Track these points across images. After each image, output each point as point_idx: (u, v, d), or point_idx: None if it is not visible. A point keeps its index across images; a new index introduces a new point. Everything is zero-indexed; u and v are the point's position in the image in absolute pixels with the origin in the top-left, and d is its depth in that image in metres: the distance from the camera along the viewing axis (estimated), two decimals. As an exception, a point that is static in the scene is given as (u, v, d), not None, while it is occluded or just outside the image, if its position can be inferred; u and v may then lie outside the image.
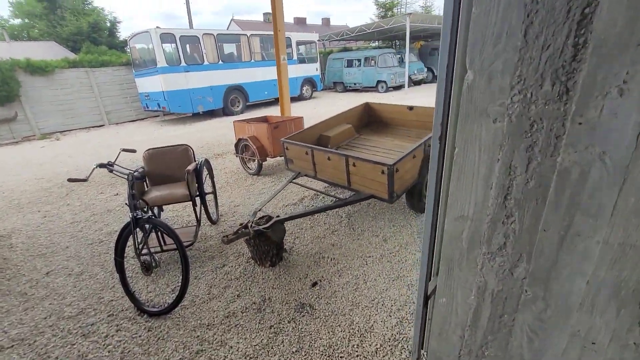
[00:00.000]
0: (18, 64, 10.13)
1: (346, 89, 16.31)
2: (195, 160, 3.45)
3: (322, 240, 3.13)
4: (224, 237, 2.52)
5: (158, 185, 3.32)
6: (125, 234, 2.44)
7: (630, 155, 0.82)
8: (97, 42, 18.57)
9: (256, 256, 2.77)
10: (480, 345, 1.30)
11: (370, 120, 4.61)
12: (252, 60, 11.68)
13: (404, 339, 2.00)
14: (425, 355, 1.69)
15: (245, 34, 11.27)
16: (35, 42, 17.56)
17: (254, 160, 5.00)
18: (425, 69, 16.33)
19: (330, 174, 3.18)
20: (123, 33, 22.88)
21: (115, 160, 2.67)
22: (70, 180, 2.46)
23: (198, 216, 3.26)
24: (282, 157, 5.25)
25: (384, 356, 1.90)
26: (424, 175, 3.08)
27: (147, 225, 2.55)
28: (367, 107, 4.58)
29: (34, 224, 4.08)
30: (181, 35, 9.79)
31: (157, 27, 9.38)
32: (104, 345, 2.17)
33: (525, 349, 1.16)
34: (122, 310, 2.46)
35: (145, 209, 2.74)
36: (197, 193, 3.26)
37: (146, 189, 3.33)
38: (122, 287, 2.46)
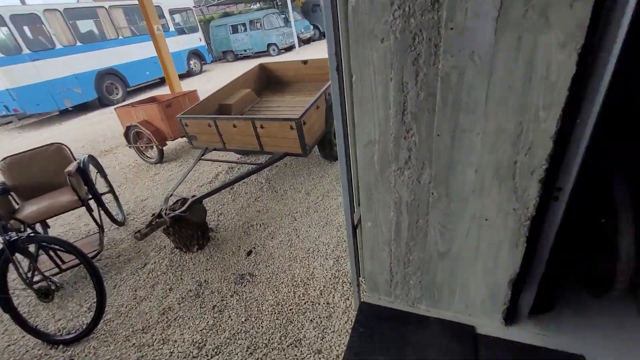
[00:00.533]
0: None
1: (237, 57, 15.35)
2: (75, 159, 2.91)
3: (246, 210, 3.04)
4: (136, 233, 2.24)
5: (31, 198, 2.73)
6: (0, 265, 1.97)
7: (492, 50, 0.94)
8: None
9: (180, 244, 2.56)
10: (405, 253, 1.46)
11: (268, 82, 4.46)
12: (120, 37, 9.96)
13: (343, 274, 2.14)
14: (363, 281, 1.84)
15: (103, 6, 9.40)
16: None
17: (152, 148, 4.46)
18: (311, 27, 16.28)
19: (240, 142, 3.04)
20: None
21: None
22: None
23: (98, 221, 2.82)
24: (185, 138, 4.81)
25: (328, 295, 2.01)
26: (331, 124, 3.16)
27: (30, 247, 2.10)
28: (262, 68, 4.38)
29: None
30: (12, 15, 7.70)
31: (-29, 6, 7.19)
32: (15, 394, 1.81)
33: (439, 242, 1.34)
34: (27, 352, 2.05)
35: (21, 229, 2.25)
36: (90, 196, 2.78)
37: (16, 206, 2.71)
38: (20, 326, 2.04)
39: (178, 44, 11.62)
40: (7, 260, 1.96)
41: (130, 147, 4.59)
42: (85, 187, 2.79)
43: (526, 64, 0.92)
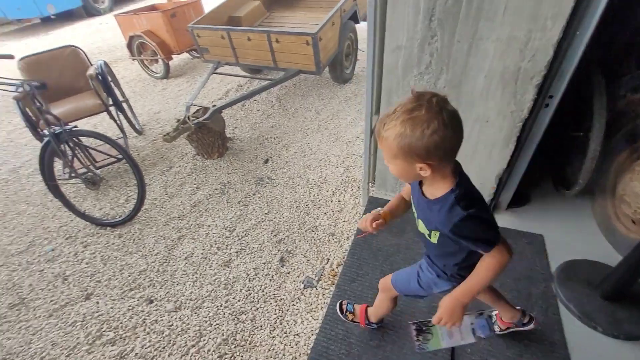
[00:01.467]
0: None
1: None
2: (91, 64, 2.95)
3: (260, 125, 3.23)
4: (165, 135, 2.46)
5: (55, 101, 2.84)
6: (47, 156, 2.19)
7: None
8: None
9: (202, 150, 2.80)
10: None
11: (277, -5, 4.27)
12: None
13: (352, 179, 2.46)
14: (373, 182, 2.16)
15: None
16: None
17: (157, 62, 4.41)
18: None
19: (253, 57, 3.09)
20: None
21: (-9, 72, 2.18)
22: None
23: (121, 126, 3.00)
24: (191, 53, 4.73)
25: (339, 195, 2.35)
26: (343, 44, 3.20)
27: (69, 143, 2.30)
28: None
29: None
30: None
31: None
32: (77, 261, 2.19)
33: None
34: (80, 230, 2.40)
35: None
36: (110, 102, 2.91)
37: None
38: (70, 210, 2.35)
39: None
40: (53, 151, 2.18)
41: (134, 59, 4.52)
42: (105, 94, 2.90)
43: (545, -24, 1.07)
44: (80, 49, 2.93)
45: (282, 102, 3.54)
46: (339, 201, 2.31)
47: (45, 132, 2.12)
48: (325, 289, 1.81)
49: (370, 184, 2.11)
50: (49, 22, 9.38)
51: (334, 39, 3.01)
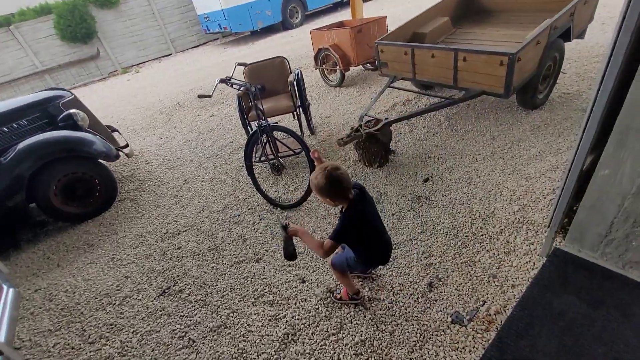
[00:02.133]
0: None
1: None
2: (291, 72, 3.54)
3: (424, 142, 3.19)
4: (339, 139, 2.71)
5: (261, 99, 3.54)
6: (252, 142, 2.74)
7: None
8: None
9: (365, 158, 2.97)
10: (645, 211, 1.35)
11: (467, 11, 4.10)
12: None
13: (528, 222, 2.12)
14: (562, 232, 1.81)
15: None
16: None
17: (335, 71, 4.94)
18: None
19: (433, 74, 3.06)
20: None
21: (232, 74, 2.87)
22: (199, 96, 2.74)
23: (301, 125, 3.49)
24: (364, 66, 5.09)
25: (509, 235, 2.07)
26: (544, 65, 2.80)
27: (268, 134, 2.83)
28: (465, -5, 4.03)
29: (155, 145, 4.74)
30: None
31: None
32: (254, 229, 2.67)
33: None
34: (258, 205, 2.93)
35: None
36: (299, 104, 3.42)
37: (251, 103, 3.59)
38: (255, 187, 2.88)
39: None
40: (256, 139, 2.72)
41: (316, 68, 5.19)
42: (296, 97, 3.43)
43: None
44: (287, 60, 3.55)
45: (452, 121, 3.39)
46: (507, 242, 2.04)
47: (255, 124, 2.68)
48: (477, 333, 1.63)
49: (557, 232, 1.77)
50: (255, 34, 11.82)
51: (534, 59, 2.67)
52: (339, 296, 1.92)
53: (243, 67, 3.52)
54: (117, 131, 4.28)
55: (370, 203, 1.54)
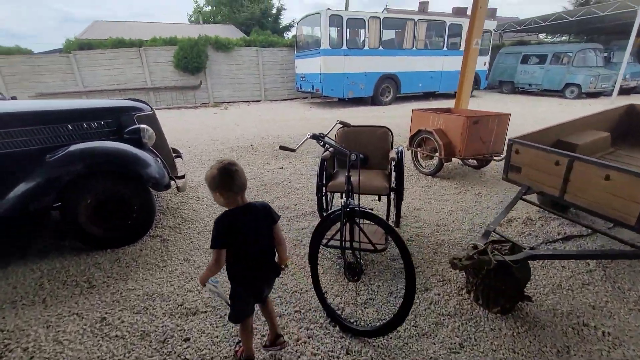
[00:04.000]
0: (209, 41, 11.83)
1: (516, 91, 13.79)
2: (392, 147, 2.89)
3: (569, 294, 2.13)
4: (454, 259, 1.83)
5: (344, 169, 2.88)
6: (327, 224, 1.97)
7: None
8: (263, 27, 20.74)
9: (481, 293, 2.00)
10: None
11: (631, 129, 3.21)
12: (414, 48, 10.78)
13: None
14: None
15: (413, 19, 10.41)
16: (219, 25, 20.73)
17: (431, 158, 4.22)
18: (644, 73, 12.29)
19: (600, 201, 2.12)
20: (283, 20, 25.07)
21: (329, 132, 2.27)
22: (281, 147, 2.15)
23: (388, 214, 2.70)
24: (466, 161, 4.33)
25: None
26: None
27: (352, 218, 2.06)
28: (632, 111, 3.18)
29: (214, 181, 4.28)
30: (348, 18, 9.64)
31: (328, 8, 9.44)
32: (296, 352, 1.77)
33: None
34: (310, 309, 2.05)
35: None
36: (395, 186, 2.68)
37: (333, 170, 2.94)
38: (313, 284, 2.03)
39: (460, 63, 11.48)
40: (331, 223, 1.95)
41: (408, 149, 4.54)
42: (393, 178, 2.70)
43: None
44: (390, 131, 2.93)
45: (609, 272, 2.31)
46: None
47: (339, 198, 1.94)
48: None
49: None
50: (341, 101, 12.05)
51: None
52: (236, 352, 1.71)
53: (337, 127, 2.97)
54: (180, 157, 3.92)
55: (256, 219, 1.46)
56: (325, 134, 2.20)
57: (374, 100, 10.93)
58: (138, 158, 2.69)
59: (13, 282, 2.36)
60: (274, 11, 24.07)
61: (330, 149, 2.52)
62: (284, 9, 25.10)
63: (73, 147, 2.54)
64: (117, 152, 2.65)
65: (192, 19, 26.72)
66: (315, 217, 3.22)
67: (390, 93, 11.06)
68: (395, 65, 10.65)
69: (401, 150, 2.77)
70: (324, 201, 2.91)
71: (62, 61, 10.61)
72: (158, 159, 3.12)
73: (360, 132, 2.91)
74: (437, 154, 4.08)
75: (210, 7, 26.31)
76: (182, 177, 3.29)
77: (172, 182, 2.93)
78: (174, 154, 3.71)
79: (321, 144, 2.16)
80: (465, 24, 11.17)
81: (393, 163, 2.55)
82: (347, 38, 9.91)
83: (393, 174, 2.73)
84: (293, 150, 2.16)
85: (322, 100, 13.10)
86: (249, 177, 4.52)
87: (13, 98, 3.47)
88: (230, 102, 12.76)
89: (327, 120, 8.59)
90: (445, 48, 11.19)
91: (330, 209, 2.90)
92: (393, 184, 2.69)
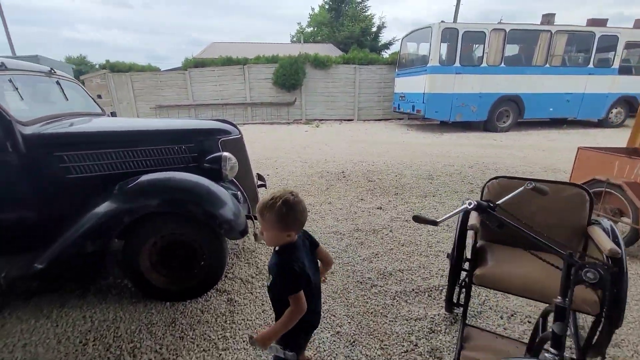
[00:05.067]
0: (308, 58, 11.81)
1: None
2: (590, 219, 1.72)
3: None
4: None
5: (506, 246, 1.81)
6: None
7: None
8: (362, 45, 20.48)
9: None
10: None
11: None
12: (547, 65, 8.81)
13: None
14: None
15: (549, 30, 8.51)
16: (318, 44, 21.26)
17: (617, 222, 2.79)
18: None
19: None
20: (382, 38, 24.50)
21: (502, 201, 1.29)
22: (416, 219, 1.28)
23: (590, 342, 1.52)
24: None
25: None
26: None
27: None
28: None
29: (299, 217, 3.59)
30: (465, 31, 8.35)
31: (442, 21, 8.33)
32: None
33: None
34: None
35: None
36: (609, 304, 1.49)
37: (477, 243, 1.89)
38: None
39: (611, 84, 9.02)
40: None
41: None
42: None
43: None
44: (590, 196, 1.76)
45: None
46: None
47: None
48: None
49: None
50: (446, 125, 10.61)
51: None
52: None
53: (489, 182, 1.94)
54: (265, 185, 3.35)
55: (306, 248, 1.32)
56: (497, 202, 1.25)
57: (487, 126, 9.24)
58: (212, 195, 2.11)
59: (59, 334, 1.95)
60: (374, 29, 23.73)
61: (491, 222, 1.49)
62: (385, 26, 24.53)
63: (145, 178, 2.08)
64: (193, 187, 2.11)
65: (294, 39, 28.28)
66: (435, 302, 2.21)
67: (509, 118, 9.22)
68: (519, 85, 8.83)
69: (609, 226, 1.60)
70: (457, 290, 1.91)
71: (179, 77, 11.78)
72: (239, 192, 2.54)
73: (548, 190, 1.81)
74: (627, 220, 2.65)
75: (311, 28, 27.49)
76: (263, 217, 2.64)
77: (250, 224, 2.28)
78: (257, 182, 3.14)
79: (483, 216, 1.22)
80: (621, 34, 8.73)
81: (605, 257, 1.39)
82: (461, 54, 8.59)
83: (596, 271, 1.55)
84: (435, 223, 1.26)
85: (420, 122, 11.84)
86: (338, 215, 3.74)
87: (113, 114, 3.35)
88: (322, 119, 12.48)
89: (430, 146, 7.39)
90: (591, 65, 8.88)
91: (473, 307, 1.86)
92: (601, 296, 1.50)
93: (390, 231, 3.27)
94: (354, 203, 4.02)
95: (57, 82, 2.69)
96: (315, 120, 12.32)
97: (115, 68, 11.58)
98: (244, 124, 11.64)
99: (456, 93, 8.71)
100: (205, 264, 2.21)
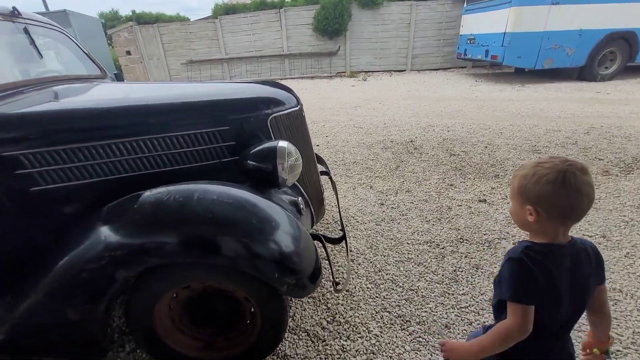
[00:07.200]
0: (355, -3, 10.01)
1: None
2: None
3: None
4: None
5: None
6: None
7: None
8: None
9: None
10: None
11: None
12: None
13: None
14: None
15: None
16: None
17: None
18: None
19: None
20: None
21: None
22: None
23: None
24: None
25: None
26: None
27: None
28: None
29: (372, 222, 2.63)
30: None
31: None
32: None
33: None
34: None
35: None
36: None
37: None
38: None
39: None
40: None
41: None
42: None
43: None
44: None
45: None
46: None
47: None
48: None
49: None
50: (523, 73, 8.71)
51: None
52: None
53: None
54: (327, 173, 2.39)
55: (578, 268, 0.81)
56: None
57: (583, 73, 7.31)
58: (269, 231, 1.20)
59: None
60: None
61: None
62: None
63: (149, 198, 1.19)
64: (232, 216, 1.20)
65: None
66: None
67: (613, 62, 7.20)
68: (635, 18, 6.70)
69: None
70: None
71: (209, 27, 10.60)
72: (299, 198, 1.61)
73: None
74: None
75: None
76: (342, 239, 1.71)
77: (322, 263, 1.37)
78: (320, 171, 2.18)
79: None
80: None
81: None
82: (559, -23, 6.52)
83: None
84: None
85: (488, 70, 9.90)
86: (425, 211, 2.73)
87: (117, 77, 2.43)
88: (368, 71, 10.92)
89: (513, 103, 5.86)
90: None
91: None
92: None
93: (512, 243, 2.22)
94: (442, 191, 2.96)
95: (25, 30, 1.77)
96: (361, 72, 10.80)
97: (141, 19, 10.62)
98: (281, 79, 10.45)
99: (548, 31, 6.79)
100: (256, 320, 1.36)
